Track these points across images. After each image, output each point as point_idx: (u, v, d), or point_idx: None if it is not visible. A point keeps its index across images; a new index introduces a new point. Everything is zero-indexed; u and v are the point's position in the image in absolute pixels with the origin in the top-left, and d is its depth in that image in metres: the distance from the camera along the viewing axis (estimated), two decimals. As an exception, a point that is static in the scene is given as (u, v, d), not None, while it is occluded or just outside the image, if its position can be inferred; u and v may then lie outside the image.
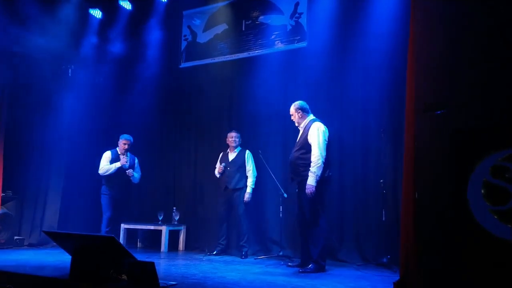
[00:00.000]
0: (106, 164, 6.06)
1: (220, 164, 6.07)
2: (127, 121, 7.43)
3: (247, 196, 5.89)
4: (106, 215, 6.02)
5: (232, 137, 6.08)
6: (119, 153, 6.16)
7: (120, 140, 6.18)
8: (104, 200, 6.07)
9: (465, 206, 2.81)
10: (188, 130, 7.18)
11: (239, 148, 6.11)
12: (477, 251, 2.76)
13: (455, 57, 3.09)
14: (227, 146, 6.18)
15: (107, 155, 6.12)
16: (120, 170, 6.06)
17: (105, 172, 6.04)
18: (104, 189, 6.10)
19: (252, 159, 6.05)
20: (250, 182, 5.95)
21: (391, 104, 5.39)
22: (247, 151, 6.08)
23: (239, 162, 6.01)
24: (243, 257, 5.68)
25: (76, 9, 6.84)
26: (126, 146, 6.13)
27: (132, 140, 6.23)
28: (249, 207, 5.98)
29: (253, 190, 5.94)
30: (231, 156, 6.09)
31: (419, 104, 3.17)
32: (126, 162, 6.08)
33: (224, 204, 6.03)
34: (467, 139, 2.90)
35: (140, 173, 6.38)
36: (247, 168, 6.00)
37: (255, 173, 6.01)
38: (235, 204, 5.95)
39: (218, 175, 6.10)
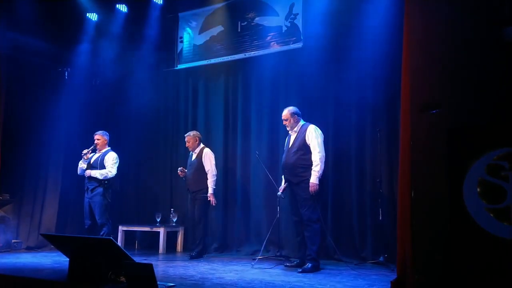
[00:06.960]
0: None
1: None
2: (123, 123, 7.45)
3: (211, 198, 5.63)
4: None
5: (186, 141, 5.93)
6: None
7: None
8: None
9: (461, 204, 2.83)
10: (185, 131, 7.17)
11: (199, 149, 5.89)
12: (473, 249, 2.78)
13: (450, 57, 3.11)
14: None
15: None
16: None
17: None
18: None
19: (211, 159, 5.78)
20: (209, 182, 5.67)
21: (387, 103, 5.42)
22: (205, 150, 5.85)
23: (196, 164, 5.79)
24: (190, 257, 5.56)
25: (72, 12, 6.83)
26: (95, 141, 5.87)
27: (101, 134, 5.91)
28: (234, 208, 5.98)
29: (241, 192, 5.89)
30: (192, 158, 5.94)
31: (414, 104, 3.19)
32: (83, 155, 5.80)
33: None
34: (463, 138, 2.92)
35: (106, 170, 5.74)
36: (205, 168, 5.72)
37: (215, 173, 5.73)
38: (194, 206, 5.76)
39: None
